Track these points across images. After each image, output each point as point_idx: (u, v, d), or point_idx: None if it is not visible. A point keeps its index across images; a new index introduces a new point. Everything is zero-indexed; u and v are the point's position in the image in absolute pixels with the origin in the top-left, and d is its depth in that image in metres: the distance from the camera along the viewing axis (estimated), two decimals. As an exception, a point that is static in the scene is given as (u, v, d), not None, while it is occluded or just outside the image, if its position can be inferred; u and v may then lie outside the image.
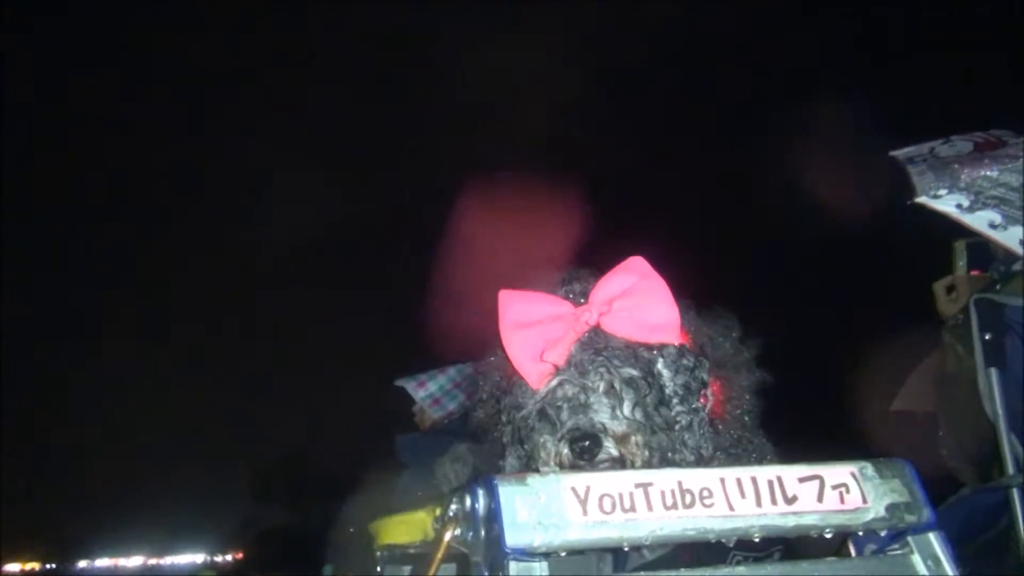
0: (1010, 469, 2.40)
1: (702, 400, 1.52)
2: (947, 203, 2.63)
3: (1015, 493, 2.37)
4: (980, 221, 2.58)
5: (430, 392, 3.67)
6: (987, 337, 2.51)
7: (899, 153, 2.95)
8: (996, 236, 2.57)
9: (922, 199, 2.65)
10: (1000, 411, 2.44)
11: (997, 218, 2.56)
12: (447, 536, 1.10)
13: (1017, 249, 2.55)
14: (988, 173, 2.59)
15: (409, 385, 3.73)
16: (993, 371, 2.48)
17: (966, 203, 2.60)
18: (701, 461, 1.46)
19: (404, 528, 1.61)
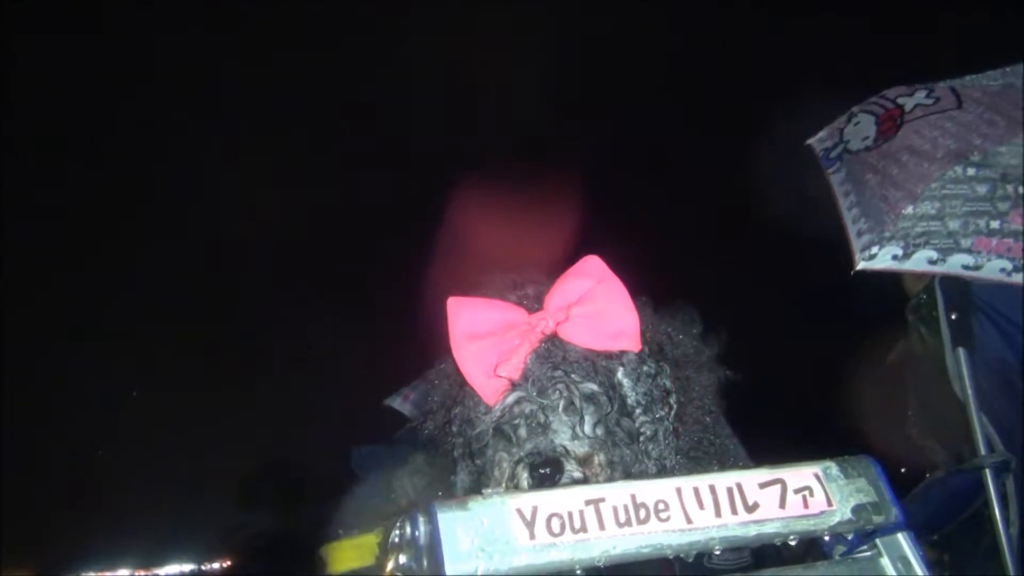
0: (982, 450, 2.38)
1: (664, 409, 1.45)
2: (883, 259, 2.66)
3: (988, 474, 2.35)
4: (919, 263, 2.61)
5: (415, 402, 3.60)
6: (953, 317, 2.48)
7: (814, 142, 3.00)
8: (939, 270, 2.58)
9: (861, 266, 2.68)
10: (969, 391, 2.42)
11: (933, 254, 2.58)
12: (389, 566, 1.03)
13: (963, 275, 2.54)
14: (905, 212, 2.61)
15: (395, 402, 3.67)
16: (961, 351, 2.46)
17: (900, 252, 2.63)
18: (664, 472, 1.40)
19: (355, 553, 1.54)
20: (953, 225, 2.57)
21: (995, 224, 2.54)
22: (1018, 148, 2.59)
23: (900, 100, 2.89)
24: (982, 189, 2.58)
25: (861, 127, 2.92)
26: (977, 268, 2.50)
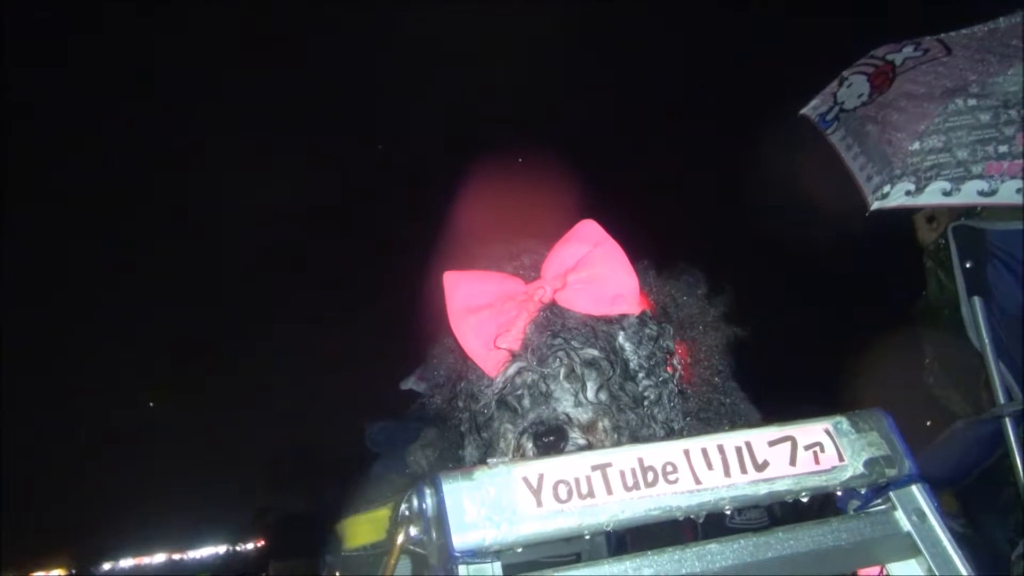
0: (1001, 398, 2.34)
1: (669, 369, 1.43)
2: (897, 196, 2.64)
3: (1007, 422, 2.32)
4: (934, 196, 2.58)
5: (426, 378, 3.60)
6: (968, 265, 2.44)
7: (808, 110, 2.99)
8: (955, 201, 2.54)
9: (876, 206, 2.66)
10: (986, 340, 2.38)
11: (946, 185, 2.55)
12: (400, 539, 1.03)
13: (979, 202, 2.51)
14: (912, 148, 2.58)
15: (410, 383, 3.67)
16: (976, 300, 2.42)
17: (912, 187, 2.60)
18: (672, 435, 1.38)
19: (371, 527, 1.55)
20: (962, 154, 2.55)
21: (1003, 148, 2.51)
22: (1015, 76, 2.57)
23: (889, 57, 2.89)
24: (985, 117, 2.56)
25: (854, 87, 2.93)
26: (992, 193, 2.47)
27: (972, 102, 2.59)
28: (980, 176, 2.49)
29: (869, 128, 2.74)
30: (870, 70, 2.88)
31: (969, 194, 2.51)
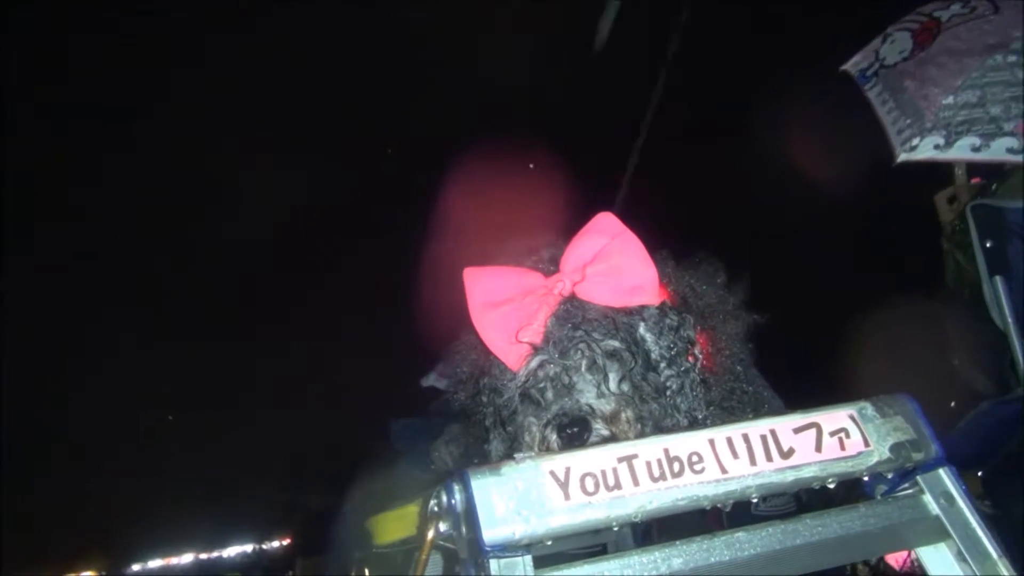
0: (1026, 377, 2.32)
1: (690, 359, 1.44)
2: (925, 149, 2.62)
3: (1034, 402, 2.31)
4: (962, 151, 2.55)
5: (447, 375, 3.61)
6: (988, 245, 2.42)
7: (849, 66, 2.95)
8: (983, 157, 2.52)
9: (903, 158, 2.63)
10: (1009, 319, 2.36)
11: (976, 141, 2.52)
12: (430, 534, 1.05)
13: (1008, 158, 2.48)
14: (945, 102, 2.56)
15: (431, 379, 3.69)
16: (998, 279, 2.40)
17: (941, 141, 2.58)
18: (696, 424, 1.39)
19: (400, 524, 1.57)
20: (995, 110, 2.51)
21: None
22: None
23: (936, 14, 2.83)
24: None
25: (897, 43, 2.87)
26: (1022, 151, 2.45)
27: (1012, 58, 2.55)
28: (1010, 134, 2.46)
29: (907, 83, 2.70)
30: (915, 26, 2.84)
31: (998, 151, 2.48)
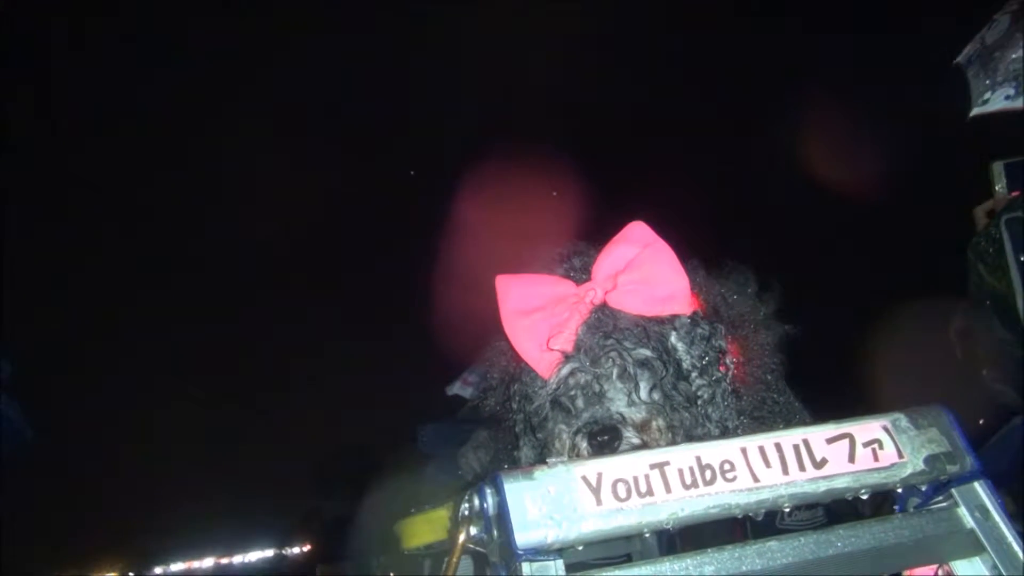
0: (1061, 393, 2.28)
1: (722, 368, 1.44)
2: (996, 101, 2.62)
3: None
4: None
5: (475, 383, 3.63)
6: (1023, 259, 2.38)
7: (961, 58, 2.93)
8: None
9: (975, 111, 2.64)
10: (1042, 334, 2.32)
11: None
12: (461, 538, 1.05)
13: None
14: (1015, 55, 2.54)
15: (456, 388, 3.70)
16: (1032, 293, 2.36)
17: (1012, 91, 2.55)
18: (727, 434, 1.39)
19: (428, 527, 1.57)
20: None
21: None
22: None
23: None
24: None
25: (997, 26, 2.87)
26: None
27: None
28: None
29: (996, 54, 2.70)
30: (1016, 7, 2.85)
31: None
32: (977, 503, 1.08)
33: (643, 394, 1.38)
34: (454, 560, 1.06)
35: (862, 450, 1.07)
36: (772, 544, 1.01)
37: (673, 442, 1.35)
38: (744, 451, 1.04)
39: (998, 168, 2.82)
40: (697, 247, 1.54)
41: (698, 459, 1.02)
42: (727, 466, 1.02)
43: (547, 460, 0.98)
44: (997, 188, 2.80)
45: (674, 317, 1.45)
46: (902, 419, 1.11)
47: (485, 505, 1.00)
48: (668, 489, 0.99)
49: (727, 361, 1.46)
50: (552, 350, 1.40)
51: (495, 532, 0.99)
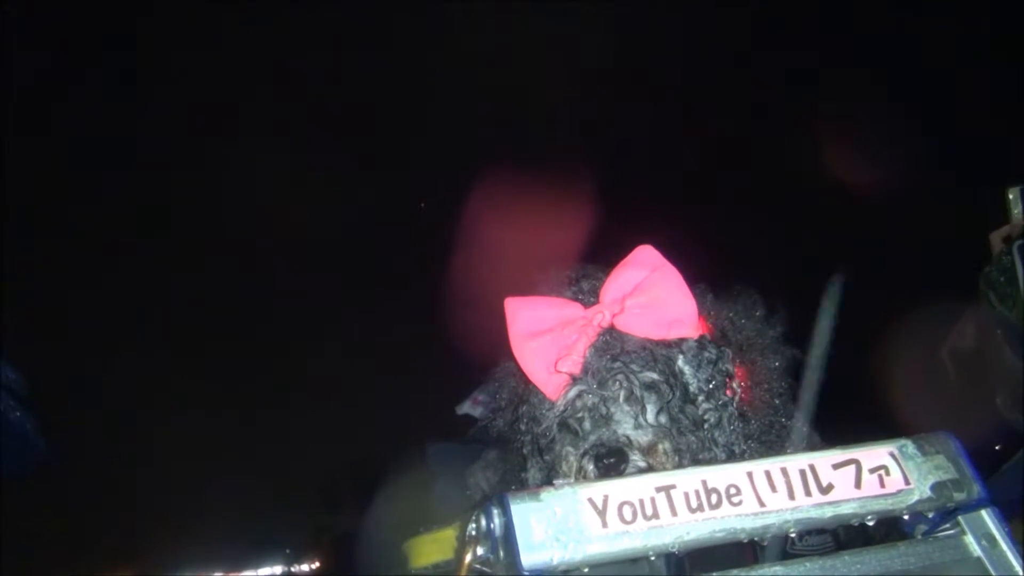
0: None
1: (728, 392, 1.44)
2: None
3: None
4: None
5: (484, 403, 3.62)
6: (1035, 287, 2.38)
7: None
8: None
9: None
10: (1055, 362, 2.31)
11: None
12: (468, 558, 1.06)
13: None
14: None
15: (466, 407, 3.70)
16: (1045, 321, 2.36)
17: None
18: (734, 458, 1.39)
19: (436, 547, 1.58)
20: None
21: None
22: None
23: None
24: None
25: None
26: None
27: None
28: None
29: None
30: None
31: None
32: (984, 531, 1.07)
33: (650, 417, 1.39)
34: (461, 580, 1.07)
35: (868, 476, 1.07)
36: (778, 569, 1.02)
37: (679, 465, 1.35)
38: (750, 475, 1.04)
39: (1015, 194, 2.81)
40: (705, 271, 1.55)
41: (704, 483, 1.03)
42: (733, 490, 1.03)
43: (554, 482, 0.98)
44: (1015, 213, 2.79)
45: (681, 340, 1.45)
46: (909, 445, 1.11)
47: (492, 526, 1.00)
48: (674, 512, 0.99)
49: (734, 385, 1.46)
50: (560, 372, 1.41)
51: (501, 553, 1.00)
